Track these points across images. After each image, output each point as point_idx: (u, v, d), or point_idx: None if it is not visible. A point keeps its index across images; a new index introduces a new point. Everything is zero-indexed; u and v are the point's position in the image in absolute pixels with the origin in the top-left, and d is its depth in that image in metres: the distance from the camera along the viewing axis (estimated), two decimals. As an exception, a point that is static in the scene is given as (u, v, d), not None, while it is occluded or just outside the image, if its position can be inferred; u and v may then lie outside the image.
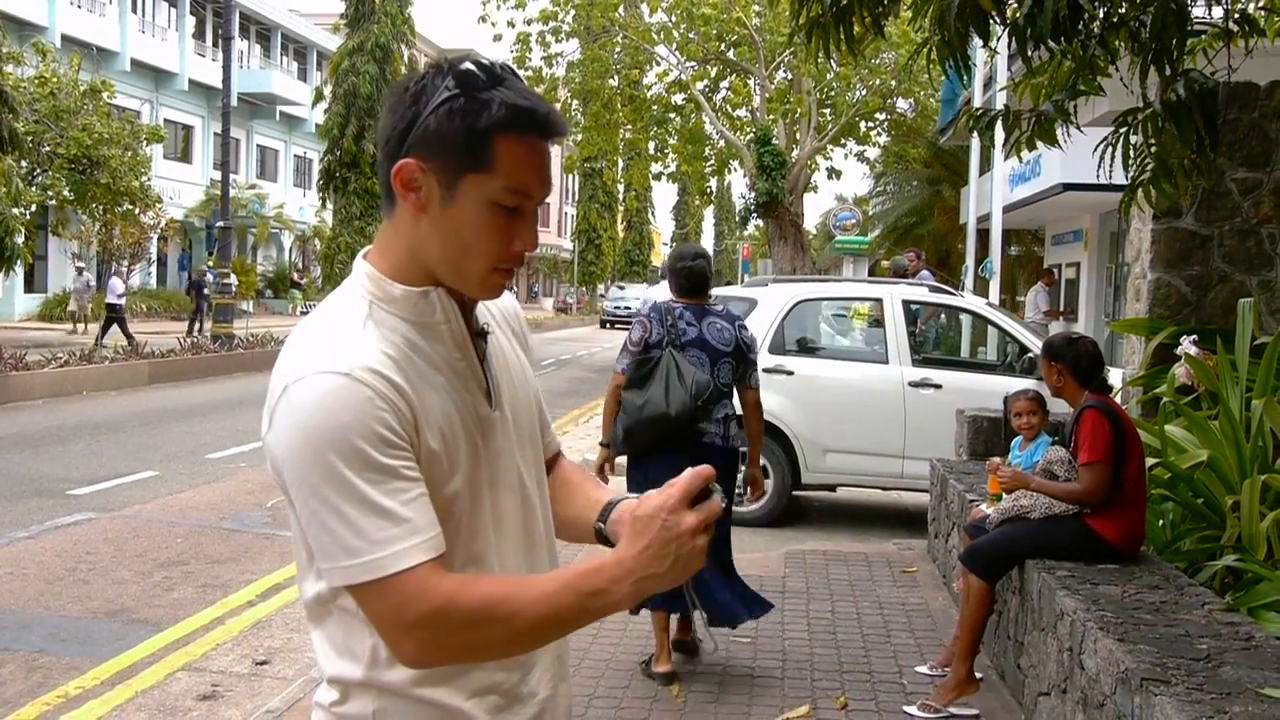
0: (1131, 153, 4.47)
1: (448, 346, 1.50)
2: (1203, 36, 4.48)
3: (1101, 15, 4.06)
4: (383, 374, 1.39)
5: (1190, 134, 4.12)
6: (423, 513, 1.38)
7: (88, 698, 4.71)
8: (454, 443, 1.46)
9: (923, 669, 5.11)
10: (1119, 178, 4.63)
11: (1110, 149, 4.49)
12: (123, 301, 22.83)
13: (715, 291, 6.26)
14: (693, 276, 5.17)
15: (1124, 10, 4.10)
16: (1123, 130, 4.44)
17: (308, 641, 5.49)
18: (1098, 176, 4.68)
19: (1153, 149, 4.30)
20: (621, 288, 52.06)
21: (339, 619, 1.48)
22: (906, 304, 8.73)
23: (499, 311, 1.69)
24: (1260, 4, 5.19)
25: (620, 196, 41.82)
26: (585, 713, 4.45)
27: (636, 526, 1.36)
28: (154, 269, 38.15)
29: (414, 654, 1.38)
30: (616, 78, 25.26)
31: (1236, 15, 4.26)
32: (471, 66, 1.42)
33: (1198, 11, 4.67)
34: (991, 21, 3.87)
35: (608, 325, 44.40)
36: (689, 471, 1.38)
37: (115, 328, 21.87)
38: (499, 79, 1.42)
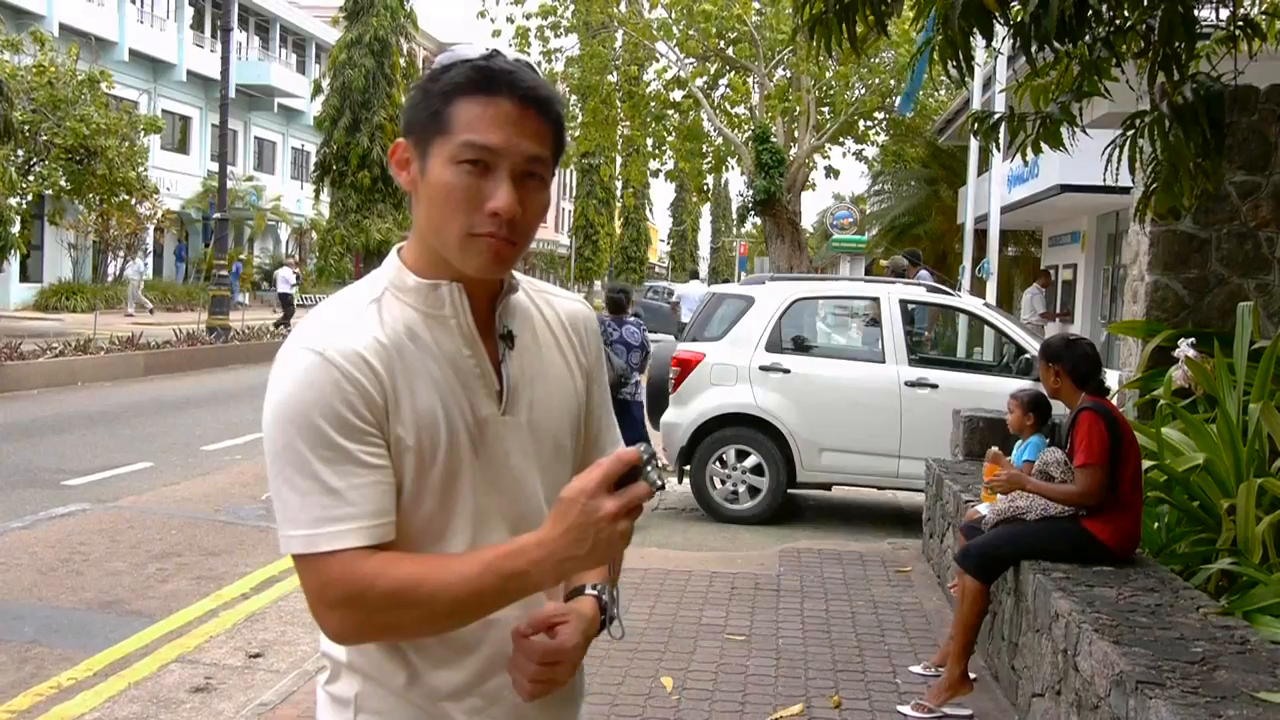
0: (1140, 157, 4.46)
1: (456, 342, 1.50)
2: (1207, 41, 4.48)
3: (1108, 17, 4.06)
4: (360, 356, 1.42)
5: (1197, 137, 4.12)
6: (370, 500, 1.40)
7: (80, 689, 4.70)
8: (433, 437, 1.46)
9: (916, 669, 5.11)
10: (1125, 180, 4.62)
11: (1118, 152, 4.49)
12: (294, 291, 23.70)
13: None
14: (614, 303, 9.09)
15: (1130, 13, 4.09)
16: (1129, 134, 4.44)
17: (301, 635, 5.49)
18: (1105, 178, 4.67)
19: (1162, 154, 4.30)
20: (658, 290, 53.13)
21: None
22: (903, 303, 8.73)
23: (558, 317, 1.66)
24: (1263, 7, 5.19)
25: (618, 193, 41.82)
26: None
27: (559, 508, 1.36)
28: (151, 260, 38.10)
29: (336, 630, 1.42)
30: (615, 74, 25.24)
31: (1240, 21, 4.25)
32: (462, 53, 1.47)
33: (1202, 14, 4.66)
34: (995, 21, 3.85)
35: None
36: (613, 455, 1.37)
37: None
38: (487, 58, 1.45)
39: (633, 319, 9.01)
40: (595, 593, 1.57)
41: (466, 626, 1.47)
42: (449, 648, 1.50)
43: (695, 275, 27.08)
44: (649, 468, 1.37)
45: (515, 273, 1.58)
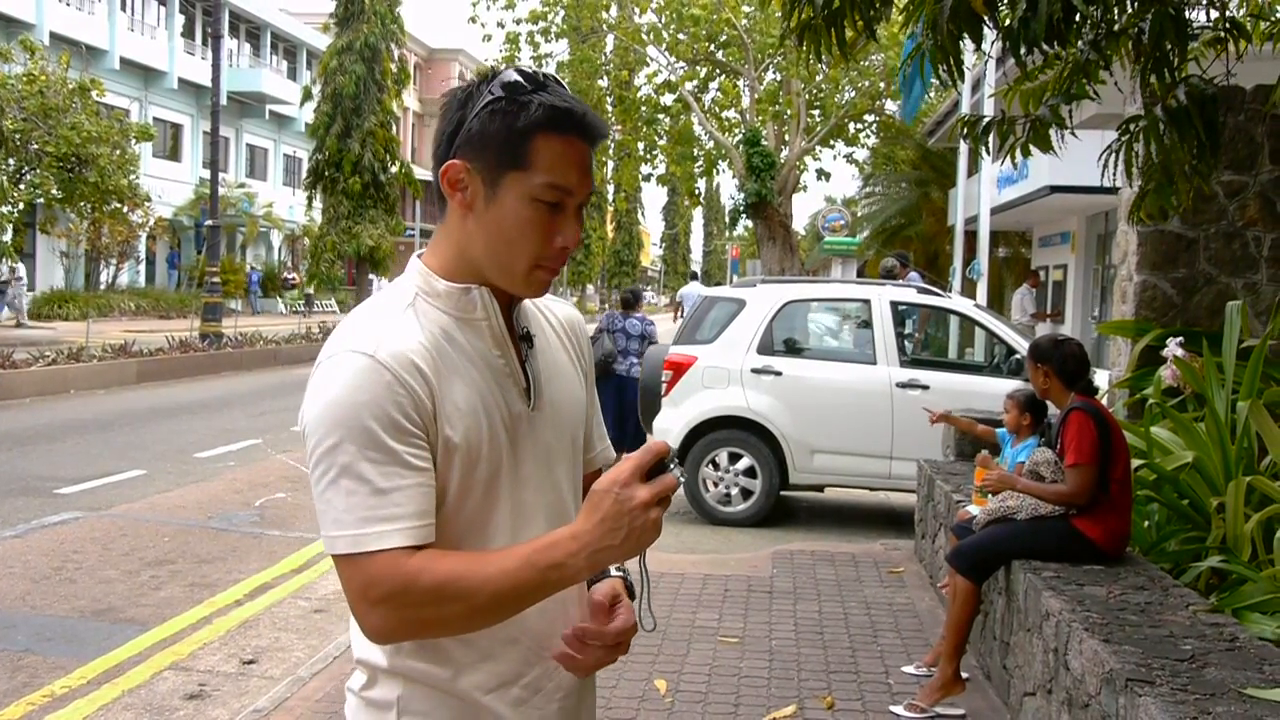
0: (1136, 160, 4.49)
1: (487, 343, 1.56)
2: (1195, 43, 4.50)
3: (1098, 18, 4.08)
4: (410, 359, 1.46)
5: (1192, 140, 4.15)
6: (415, 501, 1.43)
7: (74, 697, 4.70)
8: (477, 435, 1.50)
9: (909, 669, 5.13)
10: (1119, 182, 4.65)
11: (1114, 155, 4.51)
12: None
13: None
14: (625, 300, 11.18)
15: (1119, 16, 4.11)
16: (1125, 139, 4.47)
17: (294, 641, 5.49)
18: (1102, 181, 4.70)
19: (1157, 157, 4.33)
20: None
21: None
22: (894, 305, 8.76)
23: (558, 321, 1.75)
24: (1247, 10, 5.22)
25: (610, 197, 41.87)
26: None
27: (592, 500, 1.40)
28: (143, 267, 38.04)
29: (378, 627, 1.43)
30: (606, 78, 25.27)
31: (1227, 23, 4.28)
32: (516, 75, 1.50)
33: (1190, 15, 4.69)
34: (984, 25, 3.88)
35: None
36: (644, 447, 1.43)
37: None
38: (542, 85, 1.50)
39: (637, 316, 10.77)
40: (621, 574, 1.69)
41: (506, 620, 1.51)
42: (492, 641, 1.54)
43: (695, 276, 27.17)
44: (673, 461, 1.43)
45: None
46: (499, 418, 1.54)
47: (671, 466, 1.42)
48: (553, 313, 1.74)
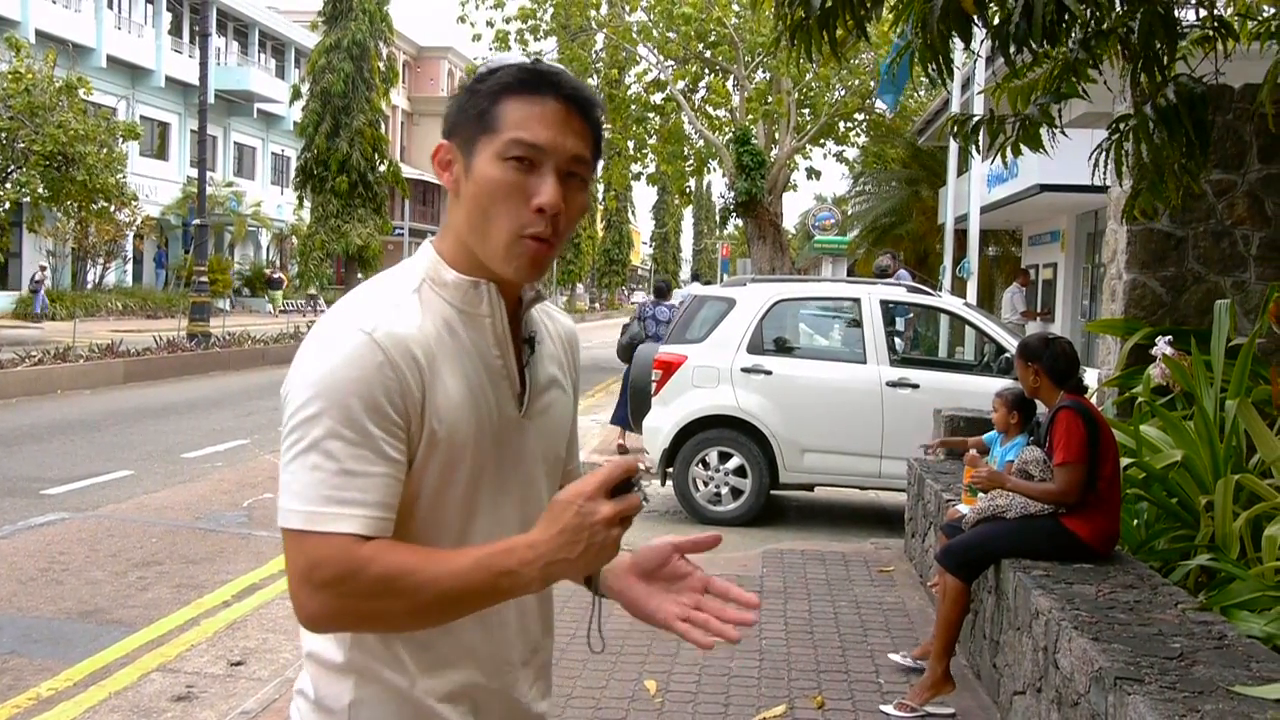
0: (1126, 159, 4.50)
1: (487, 341, 1.52)
2: (1184, 42, 4.51)
3: (1089, 16, 4.08)
4: (407, 345, 1.42)
5: (1181, 139, 4.15)
6: (380, 490, 1.39)
7: (60, 699, 4.67)
8: (464, 432, 1.46)
9: (896, 656, 5.15)
10: (1108, 181, 4.66)
11: (1104, 154, 4.52)
12: None
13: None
14: (659, 290, 12.90)
15: (1110, 15, 4.12)
16: (1115, 138, 4.47)
17: (283, 642, 5.47)
18: (1093, 180, 4.70)
19: (1147, 156, 4.33)
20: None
21: None
22: (884, 304, 8.76)
23: (558, 332, 1.71)
24: (1235, 10, 5.23)
25: (599, 196, 41.84)
26: (563, 713, 4.45)
27: (553, 511, 1.37)
28: (130, 267, 37.91)
29: (315, 613, 1.38)
30: (595, 77, 25.25)
31: (1214, 22, 4.29)
32: (514, 63, 1.49)
33: (1179, 14, 4.70)
34: (974, 24, 3.87)
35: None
36: (611, 461, 1.40)
37: None
38: (533, 61, 1.49)
39: (667, 304, 12.20)
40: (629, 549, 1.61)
41: (468, 630, 1.48)
42: (452, 650, 1.50)
43: (697, 277, 27.20)
44: (641, 481, 1.39)
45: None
46: (489, 418, 1.50)
47: (638, 486, 1.39)
48: (554, 322, 1.71)
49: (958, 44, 4.21)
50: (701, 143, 25.66)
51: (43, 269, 30.06)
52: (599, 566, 1.41)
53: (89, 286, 33.54)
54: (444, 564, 1.38)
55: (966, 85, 15.54)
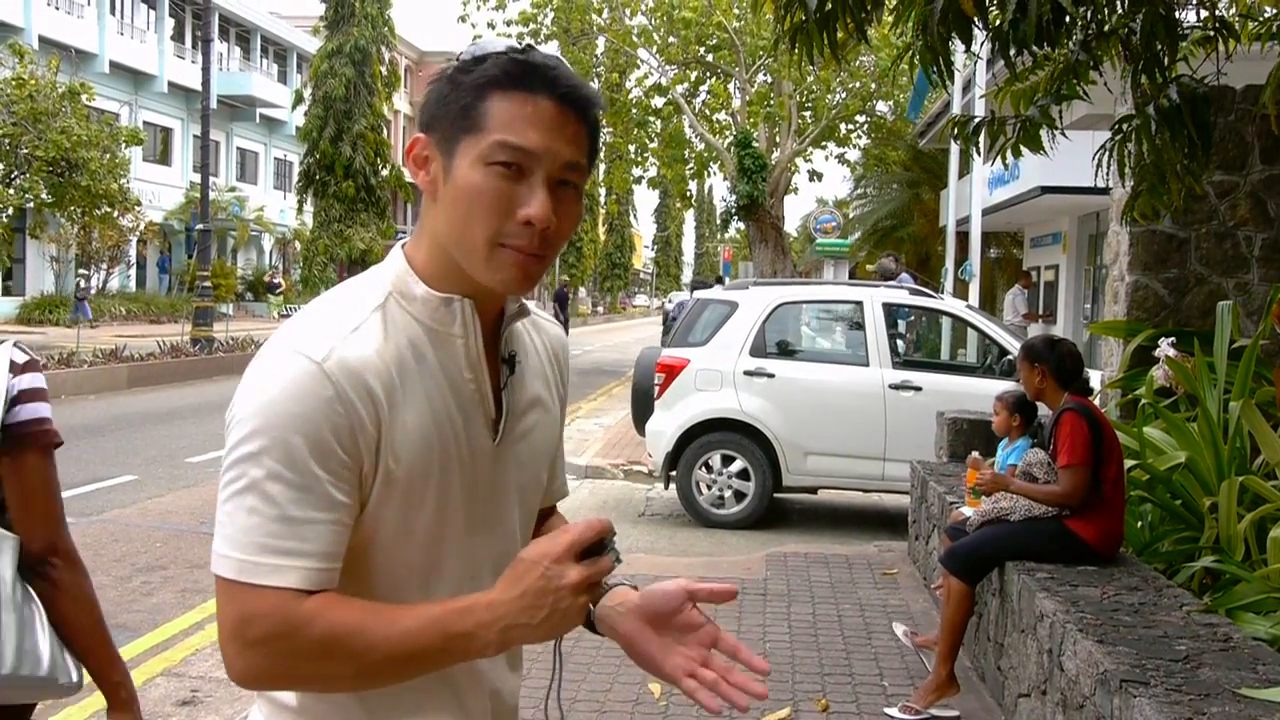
0: (1128, 161, 4.50)
1: (459, 364, 1.36)
2: (1184, 43, 4.52)
3: (1088, 17, 4.09)
4: (362, 377, 1.26)
5: (1183, 140, 4.16)
6: (324, 539, 1.25)
7: (65, 704, 4.68)
8: (426, 469, 1.32)
9: (899, 628, 5.19)
10: (1111, 183, 4.66)
11: (1107, 156, 4.52)
12: None
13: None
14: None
15: (1110, 16, 4.12)
16: (1118, 139, 4.47)
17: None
18: (1095, 182, 4.70)
19: (1149, 157, 4.34)
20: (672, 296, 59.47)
21: None
22: (887, 307, 8.77)
23: (544, 344, 1.55)
24: (1236, 10, 5.23)
25: (601, 200, 41.88)
26: (567, 716, 4.45)
27: (517, 570, 1.26)
28: (133, 272, 37.95)
29: (245, 671, 1.25)
30: (597, 81, 25.27)
31: (1216, 23, 4.29)
32: (498, 46, 1.33)
33: (1180, 15, 4.70)
34: (974, 26, 3.88)
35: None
36: (585, 522, 1.28)
37: None
38: (523, 50, 1.32)
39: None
40: (632, 585, 1.50)
41: (428, 685, 1.35)
42: (415, 697, 1.37)
43: (720, 280, 27.25)
44: (613, 541, 1.29)
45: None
46: (457, 451, 1.35)
47: (610, 547, 1.28)
48: (540, 333, 1.54)
49: (958, 46, 4.21)
50: (703, 146, 25.68)
51: (85, 277, 30.66)
52: (561, 634, 1.29)
53: (92, 292, 33.56)
54: (392, 624, 1.25)
55: (967, 88, 15.53)
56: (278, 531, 1.23)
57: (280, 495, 1.23)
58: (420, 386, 1.32)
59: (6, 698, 2.02)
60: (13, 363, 2.03)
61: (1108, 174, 4.56)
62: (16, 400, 2.00)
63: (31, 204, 24.06)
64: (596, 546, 1.27)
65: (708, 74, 25.48)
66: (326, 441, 1.24)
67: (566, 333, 21.57)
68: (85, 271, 30.96)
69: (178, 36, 41.39)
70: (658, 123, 25.74)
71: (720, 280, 27.61)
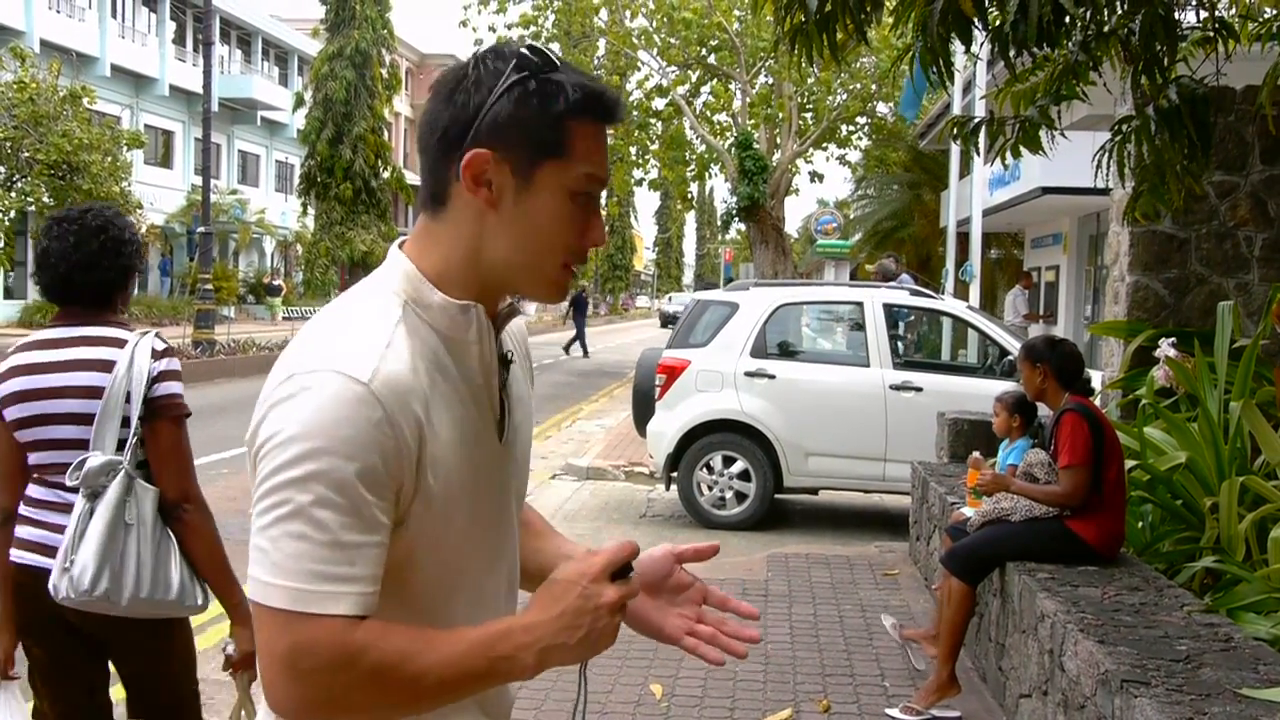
0: (1128, 161, 4.51)
1: (474, 370, 1.36)
2: (1184, 44, 4.52)
3: (1088, 18, 4.09)
4: (405, 396, 1.25)
5: (1183, 140, 4.16)
6: (372, 563, 1.23)
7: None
8: (459, 482, 1.32)
9: (887, 620, 5.20)
10: (1111, 183, 4.66)
11: (1107, 157, 4.52)
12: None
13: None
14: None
15: (1110, 17, 4.12)
16: (1117, 139, 4.48)
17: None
18: (1095, 182, 4.70)
19: (1149, 158, 4.34)
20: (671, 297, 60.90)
21: None
22: (887, 308, 8.77)
23: (521, 335, 1.56)
24: (1236, 11, 5.24)
25: (602, 201, 42.00)
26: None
27: (553, 591, 1.28)
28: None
29: (296, 702, 1.22)
30: (597, 83, 25.26)
31: (1215, 23, 4.30)
32: (527, 51, 1.33)
33: (1180, 16, 4.71)
34: (973, 27, 3.88)
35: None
36: (617, 544, 1.30)
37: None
38: (554, 63, 1.33)
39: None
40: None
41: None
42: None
43: (712, 285, 27.43)
44: (633, 565, 1.32)
45: None
46: (478, 460, 1.35)
47: (632, 572, 1.31)
48: (514, 326, 1.53)
49: (958, 47, 4.22)
50: (703, 148, 25.67)
51: None
52: (594, 655, 1.29)
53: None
54: (439, 649, 1.24)
55: (968, 89, 15.54)
56: (330, 558, 1.20)
57: (331, 521, 1.20)
58: (446, 398, 1.32)
59: (144, 613, 2.61)
60: (154, 350, 2.64)
61: (1107, 175, 4.56)
62: (156, 380, 2.61)
63: (33, 207, 24.10)
64: (625, 567, 1.30)
65: (709, 75, 25.48)
66: (374, 464, 1.22)
67: (584, 339, 21.07)
68: None
69: (179, 39, 41.42)
70: (659, 124, 25.74)
71: (711, 285, 27.75)
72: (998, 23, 3.88)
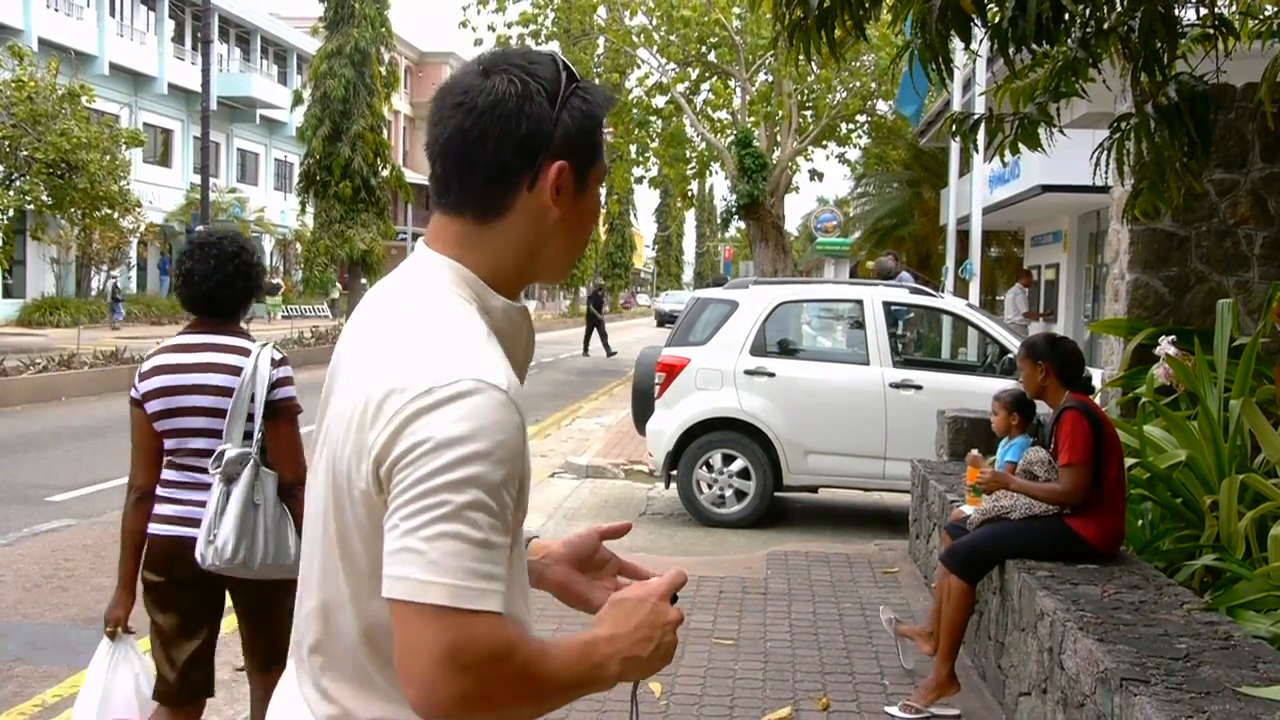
0: (1127, 159, 4.50)
1: (520, 366, 1.43)
2: (1183, 41, 4.52)
3: (1087, 15, 4.08)
4: (523, 401, 1.32)
5: (1183, 138, 4.15)
6: (505, 564, 1.28)
7: (65, 706, 4.67)
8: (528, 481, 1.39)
9: (884, 615, 5.24)
10: (1111, 181, 4.65)
11: (1106, 154, 4.52)
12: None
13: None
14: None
15: (1110, 14, 4.12)
16: (1116, 136, 4.47)
17: (289, 647, 5.46)
18: (1094, 180, 4.70)
19: (1149, 155, 4.34)
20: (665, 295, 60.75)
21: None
22: (887, 305, 8.76)
23: None
24: (1236, 8, 5.23)
25: (602, 199, 41.95)
26: (567, 715, 4.45)
27: (625, 607, 1.37)
28: (134, 273, 37.97)
29: (456, 699, 1.22)
30: (597, 81, 25.27)
31: (1214, 21, 4.29)
32: (559, 61, 1.42)
33: (1180, 13, 4.70)
34: (973, 24, 3.88)
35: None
36: (674, 572, 1.43)
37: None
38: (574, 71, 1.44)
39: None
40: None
41: None
42: None
43: (718, 283, 27.39)
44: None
45: None
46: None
47: (676, 600, 1.43)
48: None
49: (957, 44, 4.21)
50: (703, 145, 25.68)
51: (116, 279, 32.05)
52: (659, 669, 1.38)
53: (93, 294, 33.59)
54: (557, 654, 1.30)
55: (968, 86, 15.53)
56: (482, 557, 1.24)
57: (483, 522, 1.24)
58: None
59: (269, 575, 3.17)
60: (272, 359, 3.22)
61: (1107, 172, 4.56)
62: (275, 385, 3.19)
63: (31, 206, 24.09)
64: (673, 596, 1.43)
65: (708, 73, 25.48)
66: (517, 470, 1.29)
67: (605, 333, 21.11)
68: (115, 274, 31.27)
69: (178, 38, 41.42)
70: (658, 122, 25.73)
71: (720, 281, 27.68)
72: (997, 19, 3.88)
